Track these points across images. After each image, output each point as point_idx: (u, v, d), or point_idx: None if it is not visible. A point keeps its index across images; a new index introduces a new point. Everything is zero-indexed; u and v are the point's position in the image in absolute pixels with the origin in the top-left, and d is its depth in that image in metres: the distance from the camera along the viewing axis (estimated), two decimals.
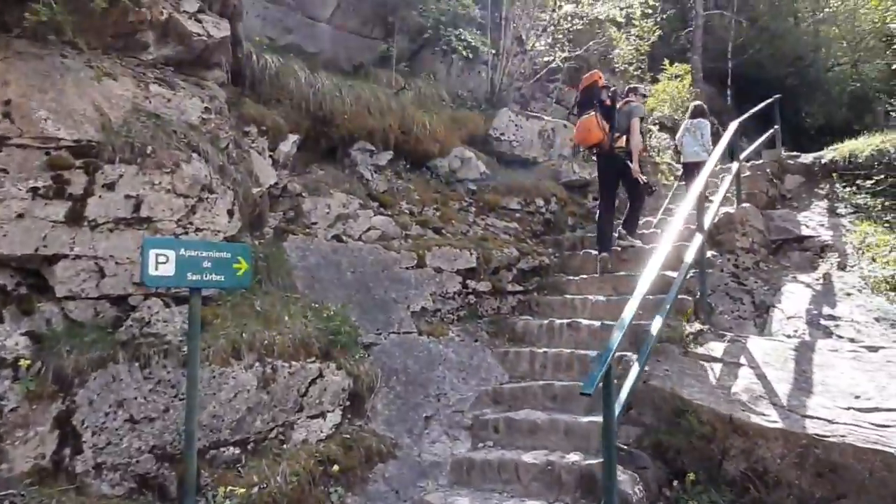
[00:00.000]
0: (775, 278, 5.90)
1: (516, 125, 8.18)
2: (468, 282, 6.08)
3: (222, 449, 3.78)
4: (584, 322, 5.51)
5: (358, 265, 5.53)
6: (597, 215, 6.77)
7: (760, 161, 8.50)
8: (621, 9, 9.16)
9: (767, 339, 4.73)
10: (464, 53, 8.51)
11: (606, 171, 6.63)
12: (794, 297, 5.33)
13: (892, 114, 16.37)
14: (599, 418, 4.36)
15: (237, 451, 3.84)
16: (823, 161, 8.11)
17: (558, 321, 5.67)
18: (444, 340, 5.39)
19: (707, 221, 5.69)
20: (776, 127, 9.22)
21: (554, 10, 8.91)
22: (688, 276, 5.60)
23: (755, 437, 3.91)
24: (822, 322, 4.86)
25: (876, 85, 16.54)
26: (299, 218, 5.76)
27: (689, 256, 5.16)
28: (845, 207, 7.08)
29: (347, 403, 4.53)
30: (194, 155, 4.34)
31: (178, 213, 4.19)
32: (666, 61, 11.60)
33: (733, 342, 4.69)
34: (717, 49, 14.01)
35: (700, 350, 4.62)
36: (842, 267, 5.88)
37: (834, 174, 7.88)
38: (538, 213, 7.61)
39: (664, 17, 10.73)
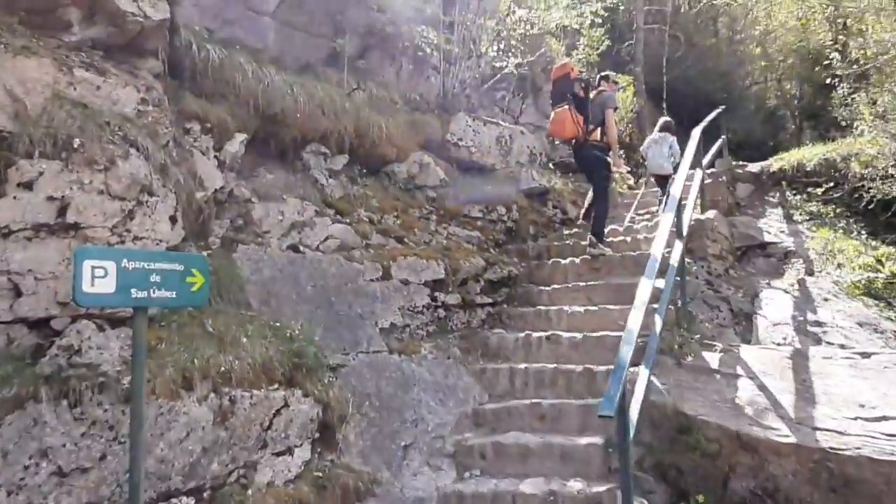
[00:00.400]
0: (747, 285, 5.81)
1: (474, 130, 7.85)
2: (437, 294, 5.63)
3: (173, 501, 3.14)
4: (565, 335, 5.18)
5: (318, 278, 4.97)
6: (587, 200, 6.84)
7: (715, 169, 8.56)
8: (575, 17, 9.06)
9: (760, 347, 4.56)
10: (425, 52, 8.12)
11: (582, 165, 6.63)
12: (775, 303, 5.23)
13: (808, 131, 17.38)
14: (597, 439, 4.04)
15: (191, 501, 3.21)
16: (772, 170, 8.27)
17: (536, 334, 5.32)
18: (416, 359, 4.91)
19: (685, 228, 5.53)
20: (723, 137, 9.40)
21: (508, 15, 8.67)
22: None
23: (766, 454, 3.68)
24: (810, 328, 4.76)
25: (794, 103, 17.53)
26: (249, 226, 5.13)
27: (674, 263, 4.94)
28: (800, 214, 7.19)
29: (317, 435, 3.96)
30: (132, 151, 3.69)
31: (113, 218, 3.52)
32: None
33: (726, 352, 4.49)
34: (654, 63, 14.32)
35: (694, 361, 4.37)
36: (809, 272, 5.88)
37: (783, 182, 8.03)
38: (500, 222, 7.28)
39: (608, 27, 10.77)
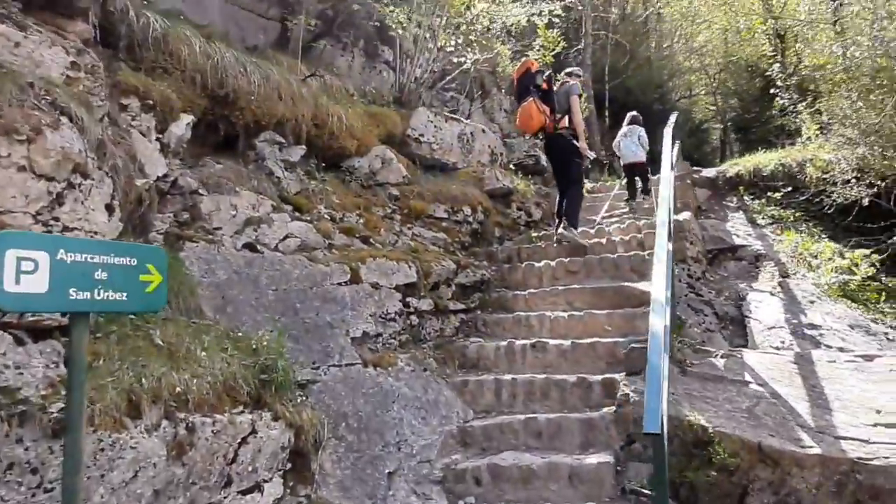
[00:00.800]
0: (725, 288, 5.66)
1: (435, 126, 7.40)
2: (409, 299, 5.11)
3: None
4: (552, 342, 4.80)
5: (280, 281, 4.34)
6: (556, 199, 6.78)
7: (676, 173, 8.52)
8: (537, 14, 8.80)
9: (762, 352, 4.34)
10: (377, 45, 7.59)
11: (555, 154, 6.62)
12: (764, 306, 5.07)
13: (735, 144, 18.11)
14: (606, 457, 3.67)
15: None
16: (728, 175, 8.30)
17: (519, 342, 4.90)
18: (393, 372, 4.37)
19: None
20: (678, 142, 9.42)
21: (468, 8, 8.30)
22: None
23: (788, 467, 3.40)
24: (806, 332, 4.60)
25: (724, 116, 18.21)
26: (197, 221, 4.44)
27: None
28: (763, 218, 7.18)
29: (289, 466, 3.35)
30: (63, 120, 2.98)
31: (38, 202, 2.80)
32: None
33: (728, 357, 4.24)
34: (598, 70, 14.43)
35: (699, 369, 4.08)
36: (784, 275, 5.80)
37: (740, 187, 8.06)
38: (466, 223, 6.84)
39: (562, 30, 10.64)
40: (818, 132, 8.49)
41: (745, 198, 7.81)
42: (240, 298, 4.03)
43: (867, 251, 5.59)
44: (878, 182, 6.52)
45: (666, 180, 5.12)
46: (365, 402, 3.98)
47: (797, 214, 7.13)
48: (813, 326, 4.65)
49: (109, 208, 3.42)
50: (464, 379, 4.67)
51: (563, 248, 6.29)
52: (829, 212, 6.89)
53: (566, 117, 6.42)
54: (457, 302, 5.58)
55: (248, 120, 5.25)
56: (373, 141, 6.52)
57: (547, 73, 6.70)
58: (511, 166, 8.55)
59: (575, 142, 6.34)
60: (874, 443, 3.39)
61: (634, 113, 9.41)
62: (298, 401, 3.55)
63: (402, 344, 4.86)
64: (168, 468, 2.73)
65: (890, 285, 5.74)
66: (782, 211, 7.24)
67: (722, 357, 4.24)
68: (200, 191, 4.59)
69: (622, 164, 8.88)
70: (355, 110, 6.52)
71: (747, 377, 3.98)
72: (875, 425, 3.56)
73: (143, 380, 2.84)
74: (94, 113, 3.54)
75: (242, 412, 3.19)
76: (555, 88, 6.64)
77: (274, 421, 3.31)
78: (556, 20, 9.31)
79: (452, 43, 8.46)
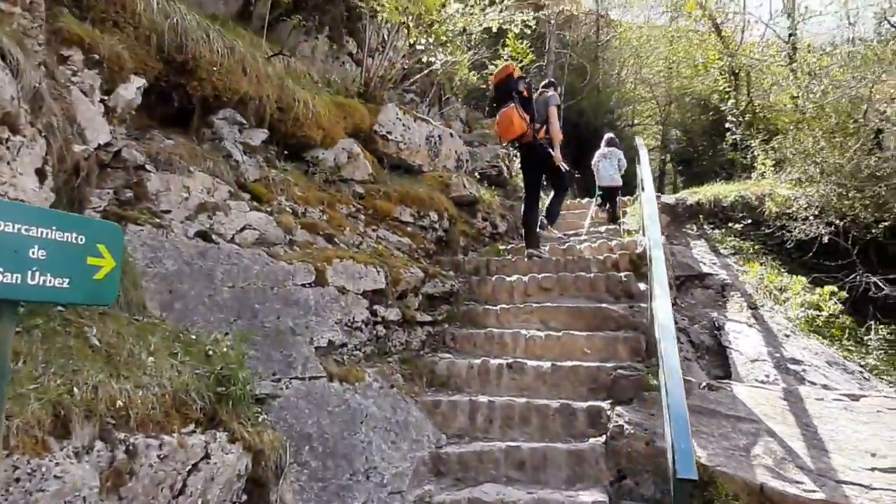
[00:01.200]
0: (698, 316, 5.52)
1: (404, 125, 6.97)
2: (376, 307, 4.65)
3: None
4: (530, 363, 4.46)
5: (238, 278, 3.78)
6: (522, 210, 6.60)
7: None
8: (508, 23, 8.57)
9: (751, 386, 4.17)
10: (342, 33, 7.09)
11: (530, 163, 6.47)
12: (743, 338, 4.95)
13: (676, 176, 18.69)
14: (599, 495, 3.36)
15: None
16: (688, 203, 8.32)
17: (494, 361, 4.53)
18: (361, 388, 3.89)
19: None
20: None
21: (444, 6, 7.95)
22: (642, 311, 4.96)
23: None
24: (790, 367, 4.49)
25: (669, 147, 18.74)
26: (142, 201, 3.82)
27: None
28: (725, 248, 7.20)
29: (244, 498, 2.82)
30: None
31: None
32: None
33: (717, 390, 4.04)
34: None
35: (691, 401, 3.84)
36: (752, 306, 5.75)
37: (700, 216, 8.09)
38: (431, 230, 6.44)
39: (529, 44, 10.50)
40: (773, 168, 8.69)
41: (705, 226, 7.84)
42: (191, 294, 3.45)
43: (834, 288, 5.64)
44: (837, 221, 6.66)
45: (649, 200, 4.94)
46: (331, 421, 3.48)
47: (756, 247, 7.20)
48: (795, 361, 4.55)
49: (41, 174, 2.82)
50: (434, 399, 4.25)
51: (535, 262, 6.01)
52: (788, 246, 6.97)
53: (544, 127, 6.33)
54: (424, 313, 5.16)
55: (208, 93, 4.65)
56: (339, 133, 6.02)
57: (527, 81, 6.51)
58: (476, 174, 8.23)
59: (551, 151, 6.24)
60: (876, 489, 3.24)
61: (611, 135, 9.76)
62: (259, 419, 3.02)
63: (368, 356, 4.39)
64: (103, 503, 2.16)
65: (847, 323, 5.81)
66: (742, 242, 7.30)
67: (712, 389, 4.03)
68: (147, 166, 3.97)
69: (599, 185, 8.97)
70: (322, 98, 6.00)
71: (741, 412, 3.78)
72: (872, 469, 3.42)
73: (75, 389, 2.27)
74: (32, 58, 2.92)
75: (194, 432, 2.64)
76: (534, 97, 6.48)
77: (230, 443, 2.78)
78: (528, 30, 9.11)
79: (423, 41, 8.09)
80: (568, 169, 6.54)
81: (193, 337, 3.05)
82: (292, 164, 5.49)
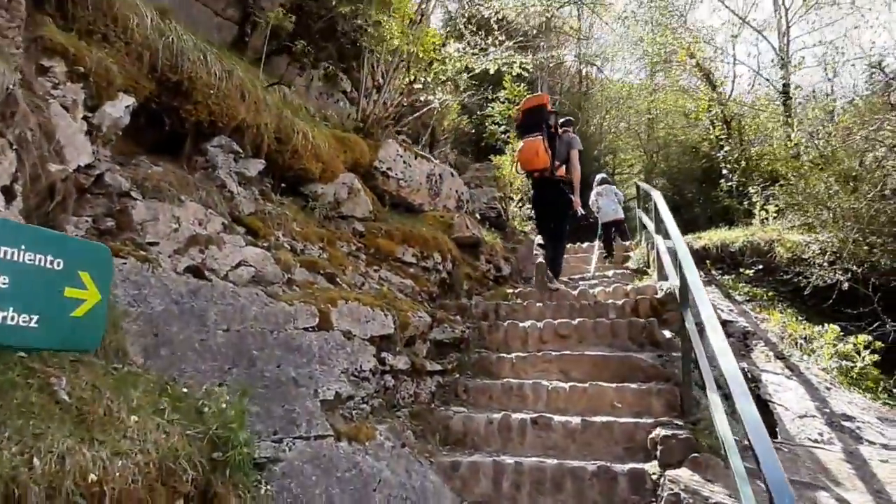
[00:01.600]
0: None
1: (405, 162, 6.64)
2: (384, 354, 4.17)
3: None
4: (557, 419, 3.98)
5: (233, 319, 3.30)
6: (535, 243, 6.75)
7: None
8: (505, 65, 8.42)
9: (811, 447, 3.74)
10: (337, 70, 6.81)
11: (546, 200, 6.35)
12: (783, 391, 4.56)
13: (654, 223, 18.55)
14: None
15: None
16: (695, 248, 8.03)
17: (516, 416, 4.05)
18: (372, 448, 3.37)
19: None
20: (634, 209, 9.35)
21: (444, 45, 7.78)
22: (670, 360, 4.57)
23: None
24: (844, 424, 4.08)
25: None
26: (125, 231, 3.35)
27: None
28: (739, 295, 6.88)
29: None
30: None
31: None
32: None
33: (777, 450, 3.59)
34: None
35: (749, 463, 3.40)
36: (779, 356, 5.38)
37: (707, 261, 7.81)
38: (435, 271, 6.01)
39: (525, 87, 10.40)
40: (775, 214, 8.52)
41: (713, 272, 7.55)
42: (180, 338, 2.95)
43: (869, 337, 5.33)
44: (854, 267, 6.42)
45: (678, 238, 4.61)
46: (341, 490, 2.96)
47: (770, 293, 6.90)
48: (847, 417, 4.15)
49: (8, 192, 2.38)
50: (451, 460, 3.73)
51: (548, 307, 5.60)
52: (805, 293, 6.69)
53: (563, 167, 6.24)
54: (433, 362, 4.69)
55: (203, 118, 4.25)
56: (339, 167, 5.64)
57: (556, 116, 6.54)
58: (477, 215, 7.90)
59: (571, 195, 6.16)
60: None
61: (603, 175, 10.20)
62: (260, 490, 2.50)
63: (374, 410, 3.87)
64: None
65: (877, 374, 5.47)
66: (755, 288, 7.00)
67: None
68: (133, 193, 3.52)
69: (601, 222, 9.17)
70: (321, 131, 5.65)
71: (804, 477, 3.34)
72: None
73: (35, 460, 1.77)
74: (8, 60, 2.50)
75: None
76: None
77: None
78: (525, 73, 8.99)
79: (422, 79, 7.87)
80: (584, 213, 6.38)
81: (184, 390, 2.55)
82: (289, 198, 5.08)
